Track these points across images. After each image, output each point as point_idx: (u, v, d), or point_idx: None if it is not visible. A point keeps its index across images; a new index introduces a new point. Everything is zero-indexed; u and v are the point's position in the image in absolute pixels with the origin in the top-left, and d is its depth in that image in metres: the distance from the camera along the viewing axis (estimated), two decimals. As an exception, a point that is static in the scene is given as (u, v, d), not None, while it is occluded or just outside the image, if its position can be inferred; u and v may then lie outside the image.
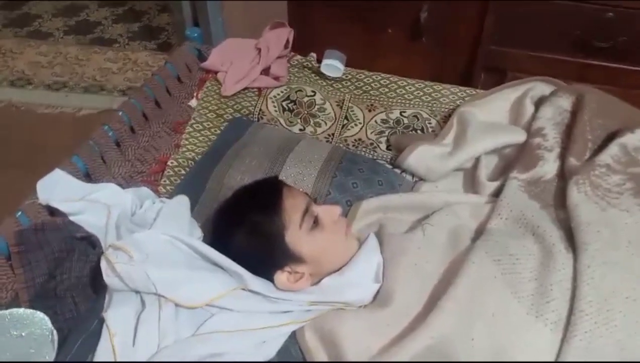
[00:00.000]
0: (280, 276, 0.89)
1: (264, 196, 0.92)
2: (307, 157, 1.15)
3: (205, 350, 0.80)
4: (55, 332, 0.83)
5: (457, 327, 0.84)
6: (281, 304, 0.88)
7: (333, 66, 1.45)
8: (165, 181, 1.19)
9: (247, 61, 1.45)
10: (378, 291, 0.92)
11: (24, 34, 2.95)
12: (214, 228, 0.95)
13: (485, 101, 1.30)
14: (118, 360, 0.75)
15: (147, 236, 0.87)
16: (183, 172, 1.21)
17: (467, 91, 1.41)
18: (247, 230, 0.89)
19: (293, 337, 0.88)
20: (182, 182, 1.15)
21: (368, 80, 1.46)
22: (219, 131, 1.32)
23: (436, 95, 1.40)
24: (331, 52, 1.48)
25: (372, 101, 1.41)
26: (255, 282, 0.86)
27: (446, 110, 1.36)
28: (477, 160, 1.20)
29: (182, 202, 1.00)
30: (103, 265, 0.82)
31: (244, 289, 0.85)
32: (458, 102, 1.37)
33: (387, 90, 1.43)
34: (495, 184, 1.13)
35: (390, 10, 1.76)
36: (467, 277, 0.89)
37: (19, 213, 1.01)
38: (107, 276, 0.82)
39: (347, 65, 1.47)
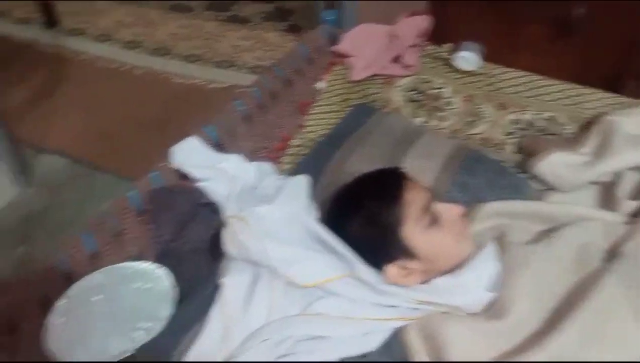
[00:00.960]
0: (391, 270, 0.87)
1: (385, 186, 0.90)
2: (430, 151, 1.12)
3: (309, 331, 0.81)
4: (176, 289, 0.87)
5: (576, 352, 0.77)
6: (388, 298, 0.87)
7: (468, 58, 1.39)
8: (286, 158, 1.21)
9: (378, 47, 1.43)
10: (492, 301, 0.87)
11: (167, 7, 3.15)
12: (329, 212, 0.95)
13: (636, 112, 1.18)
14: (228, 327, 0.78)
15: (268, 211, 0.89)
16: (305, 152, 1.22)
17: (616, 99, 1.28)
18: (364, 218, 0.88)
19: (396, 333, 0.86)
20: (302, 162, 1.17)
21: (503, 76, 1.38)
22: (343, 115, 1.32)
23: (579, 99, 1.29)
24: (468, 44, 1.41)
25: (505, 99, 1.33)
26: (366, 271, 0.85)
27: (588, 116, 1.25)
28: (617, 175, 1.10)
29: (303, 182, 1.01)
30: (224, 233, 0.85)
31: (353, 276, 0.85)
32: (603, 109, 1.26)
33: (522, 89, 1.34)
34: (635, 204, 1.03)
35: (537, 4, 1.65)
36: (593, 301, 0.81)
37: (154, 174, 1.08)
38: (227, 245, 0.85)
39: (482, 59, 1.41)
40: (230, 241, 0.85)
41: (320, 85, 1.42)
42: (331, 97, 1.37)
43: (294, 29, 2.92)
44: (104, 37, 2.89)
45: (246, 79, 2.53)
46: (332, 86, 1.40)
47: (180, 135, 1.17)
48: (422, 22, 1.45)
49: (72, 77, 2.63)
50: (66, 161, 2.12)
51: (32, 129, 2.28)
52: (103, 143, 2.21)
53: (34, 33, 2.95)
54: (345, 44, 1.49)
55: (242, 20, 3.02)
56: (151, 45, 2.82)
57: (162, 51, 2.77)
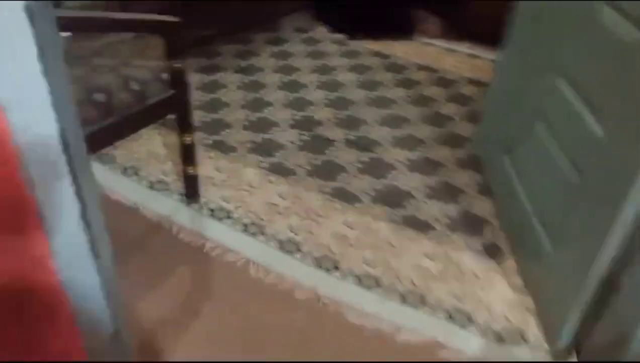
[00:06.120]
0: None
1: None
2: None
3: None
4: None
5: None
6: None
7: None
8: None
9: None
10: None
11: (329, 190, 2.57)
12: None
13: None
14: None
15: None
16: None
17: None
18: None
19: None
20: None
21: None
22: None
23: None
24: None
25: None
26: None
27: None
28: None
29: None
30: None
31: None
32: None
33: None
34: None
35: None
36: None
37: None
38: None
39: None
40: None
41: None
42: None
43: (493, 252, 2.25)
44: (255, 228, 2.30)
45: (452, 332, 1.84)
46: None
47: None
48: None
49: (211, 284, 2.02)
50: None
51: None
52: None
53: (170, 205, 2.42)
54: None
55: (421, 226, 2.37)
56: (313, 249, 2.19)
57: (327, 262, 2.13)
